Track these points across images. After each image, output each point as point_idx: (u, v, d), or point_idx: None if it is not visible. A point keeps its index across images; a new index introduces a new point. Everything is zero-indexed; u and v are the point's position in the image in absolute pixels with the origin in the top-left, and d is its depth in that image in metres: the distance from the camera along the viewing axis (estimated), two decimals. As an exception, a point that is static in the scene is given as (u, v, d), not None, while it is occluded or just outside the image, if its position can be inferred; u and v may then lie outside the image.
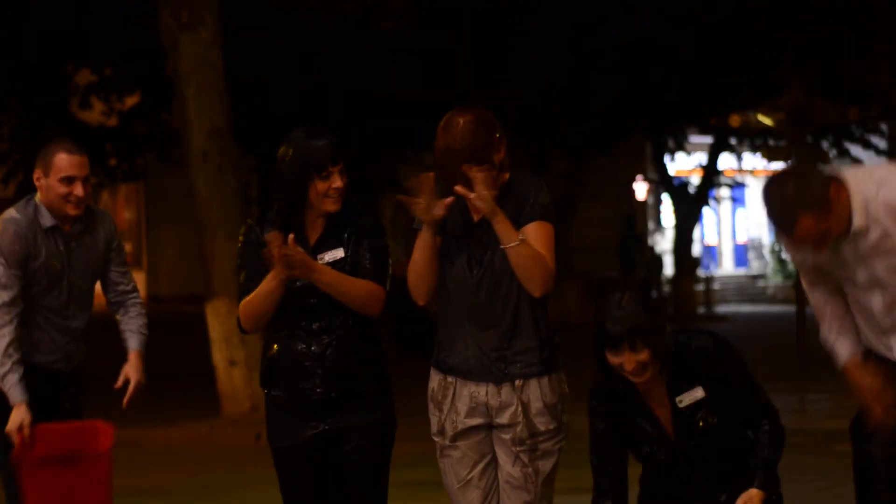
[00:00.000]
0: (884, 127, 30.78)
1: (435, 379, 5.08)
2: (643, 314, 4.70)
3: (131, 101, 24.46)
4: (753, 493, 4.80)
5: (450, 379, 5.02)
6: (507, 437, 4.96)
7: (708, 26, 23.41)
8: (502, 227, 4.85)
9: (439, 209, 4.88)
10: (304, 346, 5.14)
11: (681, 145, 32.80)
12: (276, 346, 5.21)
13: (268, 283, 5.07)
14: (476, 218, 4.97)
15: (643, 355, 4.70)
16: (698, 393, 4.80)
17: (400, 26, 16.43)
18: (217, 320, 13.92)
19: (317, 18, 19.51)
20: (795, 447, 11.46)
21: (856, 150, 32.00)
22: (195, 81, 13.88)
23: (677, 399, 4.79)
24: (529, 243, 4.88)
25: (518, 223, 4.91)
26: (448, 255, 5.00)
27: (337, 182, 5.08)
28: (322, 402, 5.17)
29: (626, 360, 4.71)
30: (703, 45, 24.06)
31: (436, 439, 5.10)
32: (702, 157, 35.62)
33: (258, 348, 13.99)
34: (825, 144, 30.03)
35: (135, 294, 6.20)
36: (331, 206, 5.11)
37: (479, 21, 21.90)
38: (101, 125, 24.52)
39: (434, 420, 5.08)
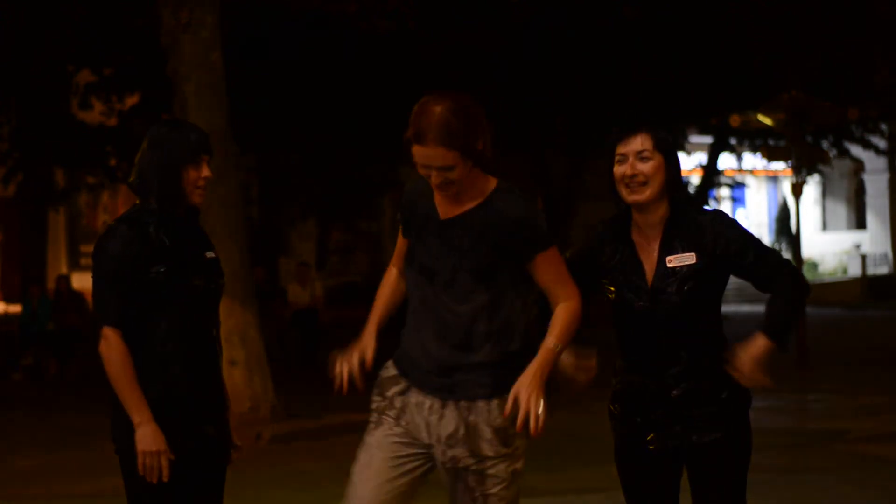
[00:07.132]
0: (884, 127, 30.77)
1: (390, 371, 4.67)
2: (662, 130, 4.78)
3: (131, 101, 24.46)
4: (759, 341, 4.53)
5: (402, 380, 4.63)
6: (447, 457, 4.52)
7: (708, 26, 23.42)
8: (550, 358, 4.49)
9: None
10: None
11: (681, 145, 32.81)
12: None
13: None
14: (442, 216, 4.54)
15: (651, 162, 4.75)
16: (689, 259, 4.70)
17: (399, 26, 16.43)
18: (217, 320, 13.90)
19: (317, 18, 19.52)
20: (795, 447, 11.51)
21: (856, 150, 31.98)
22: (195, 81, 13.88)
23: (667, 258, 4.70)
24: (562, 333, 4.50)
25: (504, 245, 4.47)
26: (411, 254, 4.61)
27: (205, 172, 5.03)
28: None
29: (629, 166, 4.78)
30: (703, 46, 24.07)
31: (372, 408, 4.68)
32: (702, 157, 35.64)
33: (258, 348, 14.12)
34: (825, 144, 30.02)
35: None
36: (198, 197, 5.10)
37: (479, 21, 21.91)
38: (101, 125, 24.51)
39: (375, 401, 4.67)
